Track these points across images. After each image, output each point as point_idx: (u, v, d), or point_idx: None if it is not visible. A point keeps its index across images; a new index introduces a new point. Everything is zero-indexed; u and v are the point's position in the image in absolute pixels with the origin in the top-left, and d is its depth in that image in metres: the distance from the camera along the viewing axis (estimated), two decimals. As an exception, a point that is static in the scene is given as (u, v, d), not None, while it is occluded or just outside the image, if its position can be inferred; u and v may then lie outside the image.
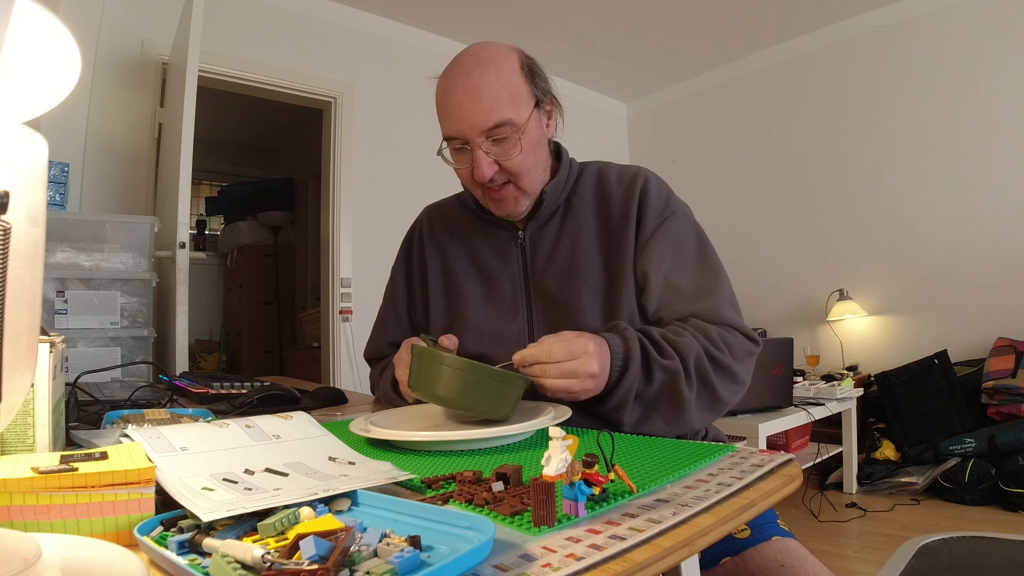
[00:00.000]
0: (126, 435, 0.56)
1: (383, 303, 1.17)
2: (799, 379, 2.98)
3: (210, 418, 0.78)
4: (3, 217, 0.32)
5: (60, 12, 2.04)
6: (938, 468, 2.74)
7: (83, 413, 0.95)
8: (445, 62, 0.93)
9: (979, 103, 3.24)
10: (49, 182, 2.14)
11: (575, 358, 0.77)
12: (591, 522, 0.45)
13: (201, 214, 5.38)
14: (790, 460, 0.59)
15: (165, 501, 0.46)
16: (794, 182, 3.97)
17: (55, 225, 2.06)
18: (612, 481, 0.49)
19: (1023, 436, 2.59)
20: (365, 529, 0.41)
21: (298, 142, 5.26)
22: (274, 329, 5.04)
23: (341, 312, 3.27)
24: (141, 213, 2.58)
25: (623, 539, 0.41)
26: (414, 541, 0.38)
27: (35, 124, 0.37)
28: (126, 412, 0.82)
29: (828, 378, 3.01)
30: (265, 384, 1.15)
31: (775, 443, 2.76)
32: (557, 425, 0.59)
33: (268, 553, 0.36)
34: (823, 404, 2.73)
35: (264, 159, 5.79)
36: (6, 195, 0.32)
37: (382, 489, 0.51)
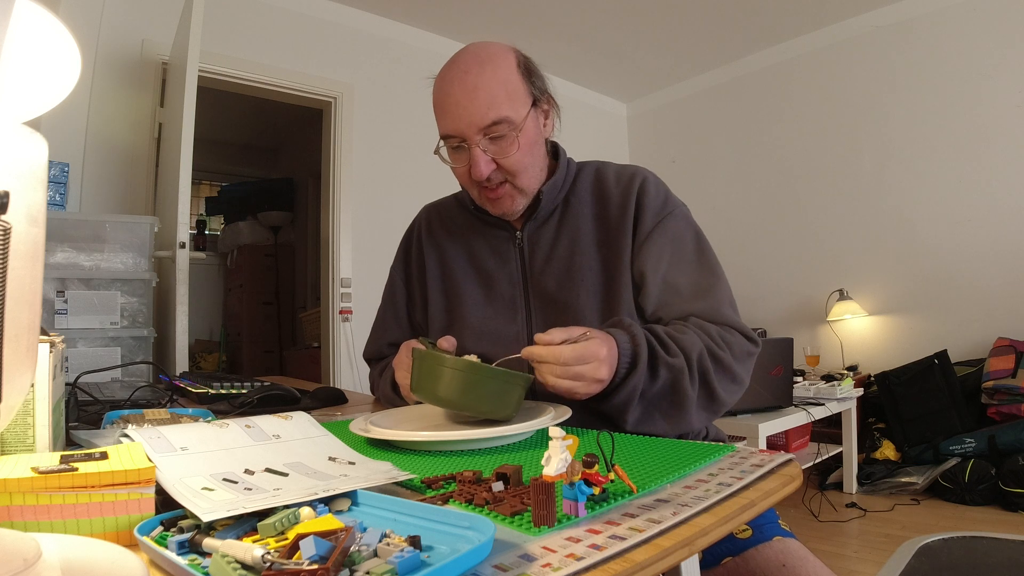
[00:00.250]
0: (126, 435, 0.56)
1: (382, 303, 1.17)
2: (799, 379, 2.98)
3: (210, 418, 0.78)
4: (3, 217, 0.32)
5: (60, 12, 2.04)
6: (938, 468, 2.74)
7: (83, 413, 0.95)
8: (445, 62, 0.93)
9: (979, 103, 3.24)
10: (49, 182, 2.14)
11: (585, 363, 0.74)
12: (591, 522, 0.45)
13: (201, 214, 5.38)
14: (790, 460, 0.59)
15: (165, 501, 0.46)
16: (794, 182, 3.97)
17: (55, 225, 2.06)
18: (612, 481, 0.49)
19: (1023, 436, 2.59)
20: (365, 529, 0.41)
21: (298, 142, 5.26)
22: (274, 329, 5.04)
23: (341, 312, 3.27)
24: (141, 213, 2.58)
25: (623, 539, 0.41)
26: (414, 541, 0.38)
27: (35, 124, 0.37)
28: (126, 412, 0.82)
29: (828, 378, 3.01)
30: (265, 384, 1.15)
31: (775, 443, 2.76)
32: (557, 425, 0.59)
33: (268, 553, 0.36)
34: (823, 404, 2.73)
35: (264, 159, 5.79)
36: (6, 195, 0.32)
37: (382, 489, 0.51)
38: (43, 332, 0.57)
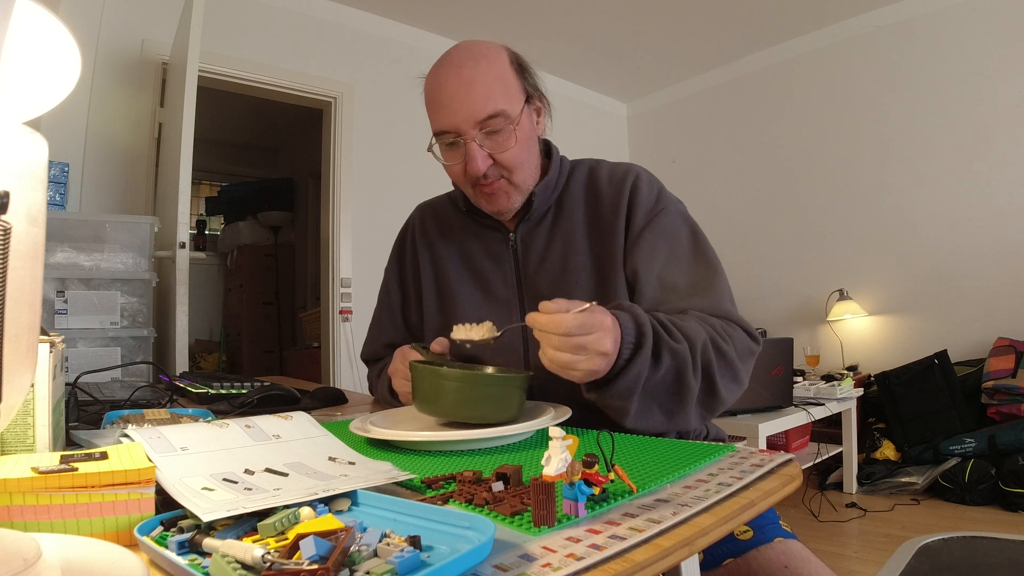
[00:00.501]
0: (126, 435, 0.56)
1: (378, 304, 1.16)
2: (799, 379, 2.98)
3: (210, 418, 0.78)
4: (3, 217, 0.32)
5: (60, 12, 2.04)
6: (938, 468, 2.74)
7: (83, 413, 0.95)
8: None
9: (979, 103, 3.24)
10: (49, 182, 2.14)
11: (588, 333, 0.68)
12: (591, 522, 0.45)
13: (201, 214, 5.38)
14: (790, 460, 0.59)
15: (165, 501, 0.46)
16: (794, 182, 3.97)
17: (55, 225, 2.06)
18: (612, 481, 0.49)
19: (1023, 436, 2.59)
20: (365, 529, 0.41)
21: (298, 142, 5.26)
22: (274, 329, 5.04)
23: (341, 312, 3.27)
24: (141, 213, 2.58)
25: (623, 539, 0.41)
26: (414, 541, 0.38)
27: (35, 124, 0.37)
28: (126, 412, 0.81)
29: (828, 378, 3.01)
30: (265, 384, 1.15)
31: (775, 443, 2.76)
32: (557, 425, 0.59)
33: (268, 553, 0.36)
34: (823, 404, 2.73)
35: (264, 159, 5.79)
36: (6, 195, 0.32)
37: (382, 489, 0.51)
38: (43, 332, 0.57)
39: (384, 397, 1.06)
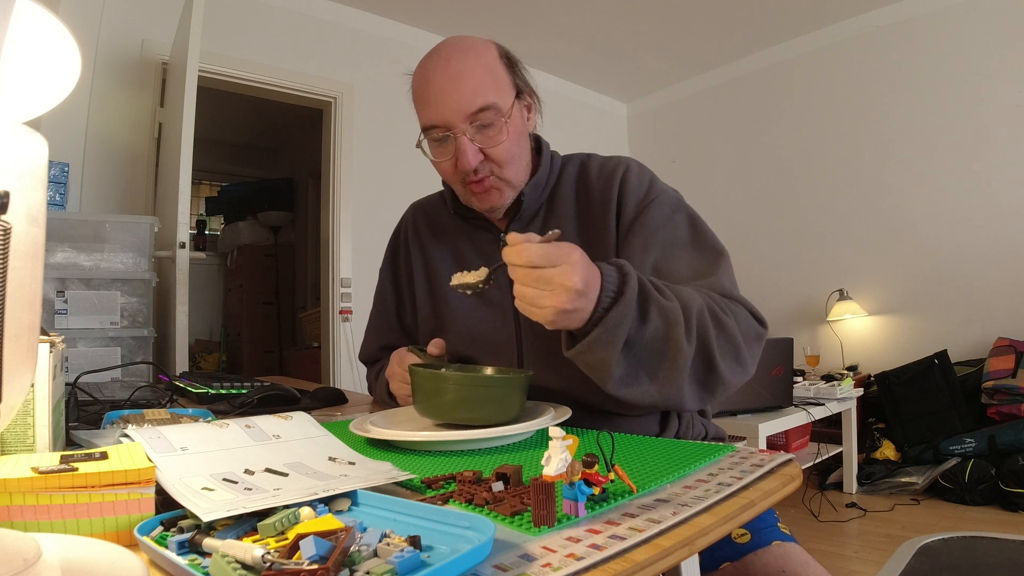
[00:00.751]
0: (126, 435, 0.56)
1: (373, 306, 1.15)
2: (799, 379, 2.98)
3: (210, 418, 0.78)
4: (3, 217, 0.32)
5: (60, 12, 2.04)
6: (938, 468, 2.74)
7: (83, 413, 0.95)
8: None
9: (979, 103, 3.24)
10: (49, 182, 2.14)
11: (554, 266, 0.64)
12: (591, 522, 0.45)
13: (201, 214, 5.38)
14: (790, 460, 0.59)
15: (165, 501, 0.46)
16: (794, 182, 3.97)
17: (55, 225, 2.06)
18: (612, 481, 0.49)
19: (1023, 436, 2.59)
20: (365, 529, 0.41)
21: (298, 142, 5.26)
22: (274, 329, 5.04)
23: (341, 312, 3.27)
24: (141, 213, 2.58)
25: (623, 539, 0.41)
26: (414, 541, 0.38)
27: (35, 124, 0.37)
28: (126, 412, 0.82)
29: (828, 378, 3.01)
30: (265, 384, 1.15)
31: (775, 443, 2.76)
32: (557, 425, 0.59)
33: (268, 553, 0.36)
34: (823, 404, 2.73)
35: (264, 159, 5.79)
36: (6, 195, 0.32)
37: (382, 489, 0.51)
38: (43, 332, 0.57)
39: (383, 399, 1.05)
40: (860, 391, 3.02)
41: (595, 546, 0.40)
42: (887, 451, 3.00)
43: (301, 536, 0.37)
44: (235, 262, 5.12)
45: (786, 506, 2.66)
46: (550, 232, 0.67)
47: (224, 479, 0.50)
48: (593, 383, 0.82)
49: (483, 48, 0.86)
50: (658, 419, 0.90)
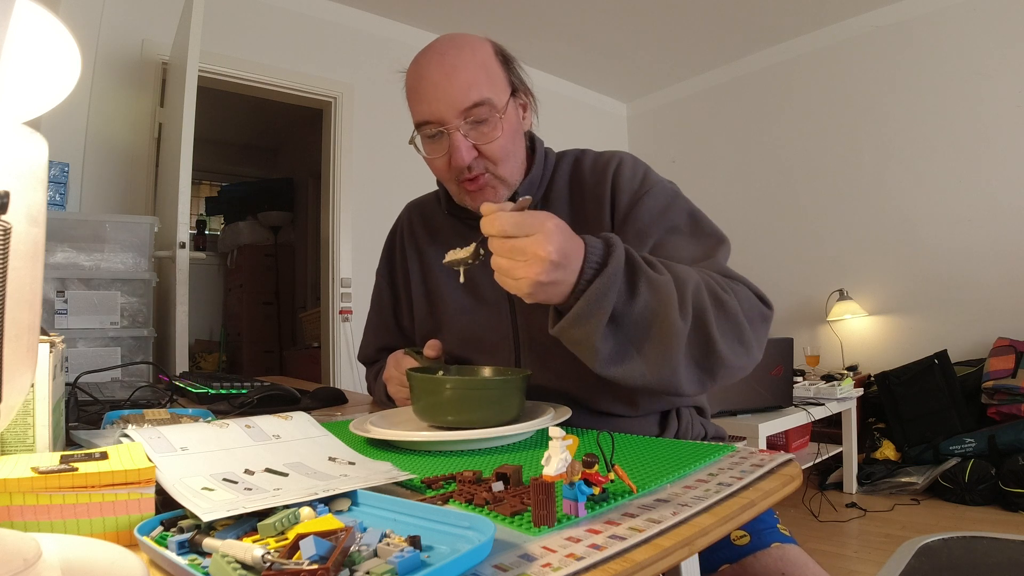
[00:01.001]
0: (126, 435, 0.56)
1: (371, 306, 1.14)
2: (799, 379, 2.98)
3: (210, 418, 0.78)
4: (3, 217, 0.32)
5: (60, 12, 2.04)
6: (938, 468, 2.74)
7: (83, 413, 0.95)
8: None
9: (979, 103, 3.24)
10: (49, 182, 2.14)
11: (526, 235, 0.63)
12: (591, 522, 0.45)
13: (201, 214, 5.38)
14: (790, 460, 0.59)
15: (165, 501, 0.46)
16: (794, 182, 3.97)
17: (55, 225, 2.06)
18: (612, 481, 0.49)
19: (1023, 436, 2.59)
20: (365, 529, 0.41)
21: (298, 142, 5.26)
22: (274, 329, 5.04)
23: (341, 312, 3.27)
24: (141, 213, 2.58)
25: (623, 539, 0.41)
26: (414, 541, 0.38)
27: (35, 124, 0.37)
28: (126, 412, 0.82)
29: (828, 378, 3.01)
30: (265, 384, 1.15)
31: (775, 443, 2.76)
32: (557, 425, 0.59)
33: (268, 553, 0.36)
34: (823, 404, 2.73)
35: (264, 159, 5.79)
36: (6, 195, 0.32)
37: (382, 489, 0.51)
38: (43, 332, 0.57)
39: (382, 400, 1.05)
40: (860, 391, 3.02)
41: (595, 546, 0.40)
42: (887, 451, 3.00)
43: (301, 536, 0.37)
44: (235, 262, 5.12)
45: (786, 506, 2.66)
46: (521, 199, 0.66)
47: (224, 479, 0.50)
48: (592, 382, 0.82)
49: (478, 44, 0.85)
50: (658, 419, 0.90)
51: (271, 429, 0.63)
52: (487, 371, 0.86)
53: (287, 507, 0.44)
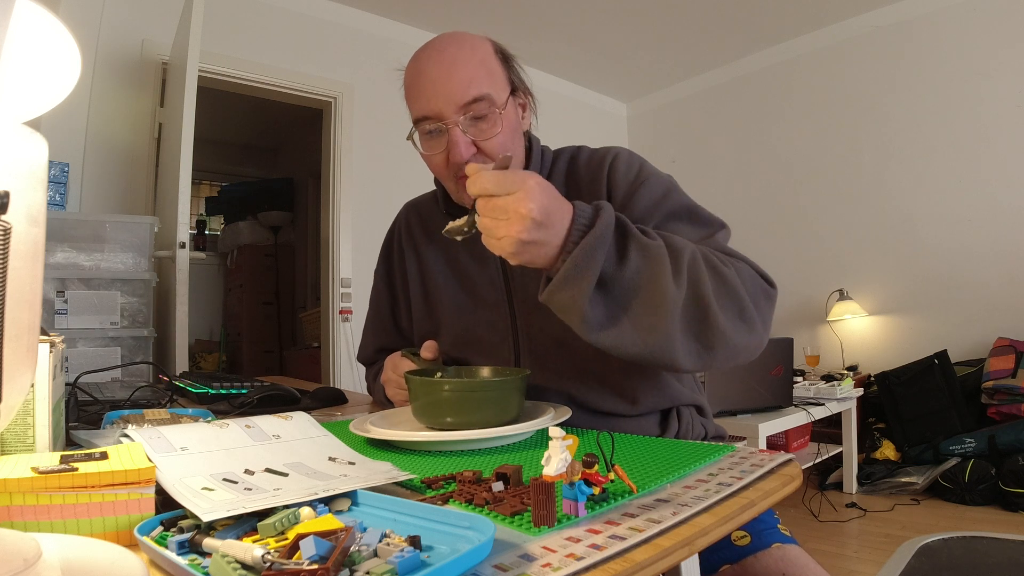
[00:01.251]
0: (126, 435, 0.56)
1: (369, 307, 1.14)
2: (799, 379, 2.98)
3: (210, 418, 0.78)
4: (3, 217, 0.32)
5: (60, 12, 2.04)
6: (938, 468, 2.74)
7: (83, 413, 0.95)
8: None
9: (979, 103, 3.24)
10: (49, 182, 2.14)
11: (508, 193, 0.62)
12: (591, 522, 0.45)
13: (201, 214, 5.38)
14: (790, 460, 0.59)
15: (165, 501, 0.46)
16: (794, 182, 3.97)
17: (55, 225, 2.06)
18: (612, 481, 0.49)
19: (1023, 436, 2.59)
20: (365, 529, 0.41)
21: (298, 142, 5.26)
22: (274, 329, 5.04)
23: (341, 312, 3.27)
24: (141, 213, 2.58)
25: (623, 539, 0.41)
26: (414, 541, 0.38)
27: (35, 124, 0.37)
28: (126, 412, 0.81)
29: (828, 378, 3.01)
30: (265, 384, 1.15)
31: (775, 443, 2.76)
32: (557, 425, 0.59)
33: (268, 553, 0.36)
34: (823, 404, 2.73)
35: (264, 159, 5.79)
36: (6, 195, 0.32)
37: (382, 489, 0.51)
38: (43, 332, 0.57)
39: (381, 401, 1.05)
40: (860, 391, 3.02)
41: (595, 546, 0.40)
42: (887, 451, 3.00)
43: (301, 536, 0.37)
44: (235, 262, 5.12)
45: (786, 506, 2.66)
46: (501, 156, 0.65)
47: (224, 479, 0.50)
48: (592, 382, 0.82)
49: (478, 42, 0.85)
50: (658, 419, 0.90)
51: (271, 429, 0.63)
52: (486, 371, 0.86)
53: (287, 507, 0.44)
